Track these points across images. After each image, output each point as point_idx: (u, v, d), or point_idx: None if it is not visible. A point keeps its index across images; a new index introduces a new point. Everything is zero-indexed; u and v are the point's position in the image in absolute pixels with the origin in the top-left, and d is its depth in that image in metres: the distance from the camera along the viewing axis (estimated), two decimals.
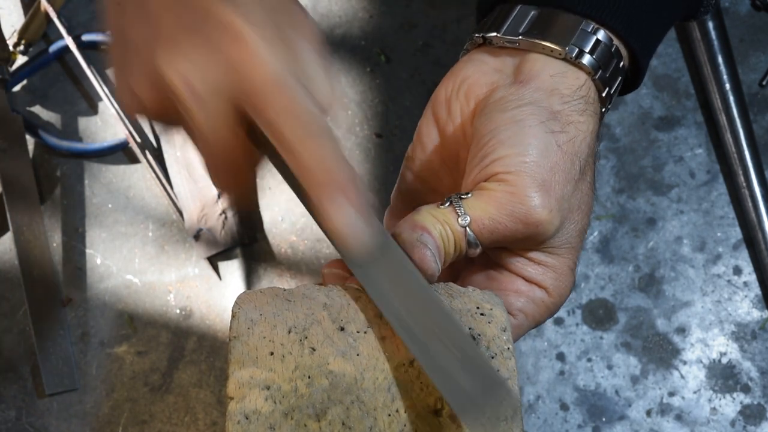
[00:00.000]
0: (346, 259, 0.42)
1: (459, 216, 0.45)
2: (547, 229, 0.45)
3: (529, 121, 0.45)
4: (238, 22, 0.39)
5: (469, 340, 0.40)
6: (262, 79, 0.39)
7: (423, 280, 0.42)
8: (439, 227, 0.44)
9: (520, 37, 0.48)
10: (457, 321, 0.41)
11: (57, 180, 0.95)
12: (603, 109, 0.50)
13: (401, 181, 0.55)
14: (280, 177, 0.45)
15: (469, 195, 0.45)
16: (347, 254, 0.41)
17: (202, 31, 0.40)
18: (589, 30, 0.48)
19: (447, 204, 0.45)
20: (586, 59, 0.47)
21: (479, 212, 0.44)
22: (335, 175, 0.39)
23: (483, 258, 0.48)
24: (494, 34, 0.49)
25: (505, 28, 0.49)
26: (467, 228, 0.45)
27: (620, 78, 0.50)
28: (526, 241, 0.46)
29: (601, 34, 0.48)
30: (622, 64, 0.50)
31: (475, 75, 0.50)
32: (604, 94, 0.49)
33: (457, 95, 0.50)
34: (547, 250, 0.47)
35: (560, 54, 0.47)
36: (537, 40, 0.48)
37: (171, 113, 0.42)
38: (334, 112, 0.42)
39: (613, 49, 0.49)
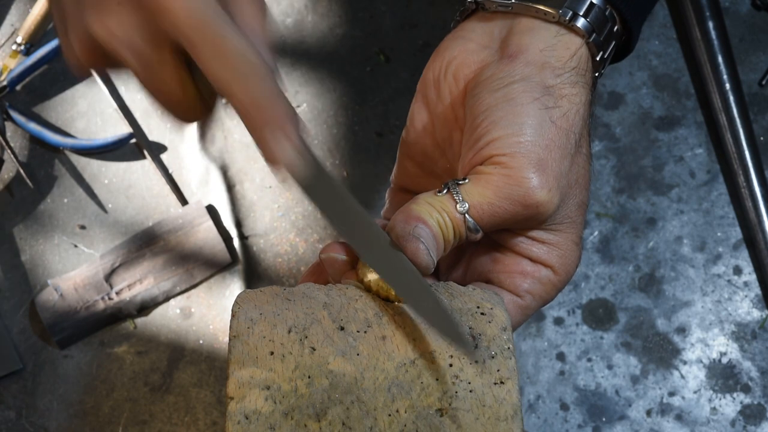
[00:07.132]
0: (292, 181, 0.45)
1: (457, 203, 0.44)
2: (548, 208, 0.44)
3: (522, 98, 0.45)
4: None
5: (393, 251, 0.44)
6: (183, 21, 0.39)
7: (354, 202, 0.44)
8: (437, 216, 0.44)
9: (513, 0, 0.48)
10: (384, 234, 0.45)
11: (57, 179, 0.95)
12: (597, 74, 0.49)
13: (398, 165, 0.55)
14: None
15: (467, 180, 0.45)
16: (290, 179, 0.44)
17: None
18: None
19: (444, 191, 0.45)
20: (581, 22, 0.47)
21: (477, 198, 0.44)
22: (269, 113, 0.40)
23: (487, 240, 0.48)
24: None
25: None
26: (466, 215, 0.44)
27: (614, 42, 0.49)
28: (528, 221, 0.45)
29: None
30: (616, 28, 0.49)
31: (462, 54, 0.49)
32: (598, 58, 0.48)
33: (445, 76, 0.50)
34: (549, 227, 0.47)
35: (554, 17, 0.47)
36: (530, 3, 0.47)
37: (114, 63, 0.43)
38: (265, 42, 0.43)
39: (607, 13, 0.48)
